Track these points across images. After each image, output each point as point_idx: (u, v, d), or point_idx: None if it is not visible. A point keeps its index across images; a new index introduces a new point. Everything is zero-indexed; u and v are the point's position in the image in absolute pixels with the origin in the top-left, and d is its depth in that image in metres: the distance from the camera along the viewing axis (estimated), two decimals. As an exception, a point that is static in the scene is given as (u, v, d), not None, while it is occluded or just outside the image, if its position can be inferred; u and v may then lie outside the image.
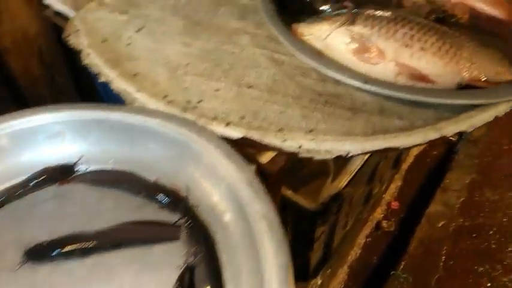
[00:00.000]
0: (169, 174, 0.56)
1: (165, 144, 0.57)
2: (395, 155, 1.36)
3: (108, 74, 0.68)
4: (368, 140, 0.57)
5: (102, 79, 0.68)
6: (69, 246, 0.49)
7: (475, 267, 1.12)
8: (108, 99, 0.75)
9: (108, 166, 0.58)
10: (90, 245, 0.49)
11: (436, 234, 1.20)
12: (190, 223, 0.52)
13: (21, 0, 0.88)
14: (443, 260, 1.14)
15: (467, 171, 1.35)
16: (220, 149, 0.54)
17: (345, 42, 0.63)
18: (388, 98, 0.61)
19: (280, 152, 0.59)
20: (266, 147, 0.59)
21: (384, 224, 1.39)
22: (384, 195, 1.50)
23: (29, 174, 0.56)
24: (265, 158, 0.61)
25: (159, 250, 0.50)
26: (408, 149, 0.91)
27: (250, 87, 0.65)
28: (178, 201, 0.54)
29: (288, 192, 0.93)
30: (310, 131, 0.58)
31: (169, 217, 0.53)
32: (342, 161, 1.00)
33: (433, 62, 0.60)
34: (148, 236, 0.52)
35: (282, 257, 0.43)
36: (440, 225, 1.23)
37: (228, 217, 0.51)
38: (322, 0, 0.73)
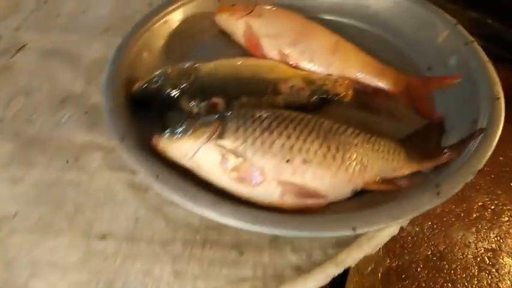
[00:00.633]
0: None
1: None
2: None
3: None
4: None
5: None
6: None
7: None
8: None
9: None
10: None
11: (367, 282, 1.13)
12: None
13: None
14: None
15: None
16: None
17: (217, 161, 0.51)
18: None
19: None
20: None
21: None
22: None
23: None
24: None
25: None
26: None
27: (103, 237, 0.50)
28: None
29: None
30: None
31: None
32: None
33: (320, 175, 0.50)
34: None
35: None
36: (369, 271, 1.17)
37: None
38: (188, 97, 0.61)
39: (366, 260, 1.38)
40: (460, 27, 0.67)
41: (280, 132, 0.51)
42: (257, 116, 0.53)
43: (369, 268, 1.37)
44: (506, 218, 0.62)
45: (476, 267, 0.60)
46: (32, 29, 0.79)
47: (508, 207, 0.64)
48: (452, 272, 0.67)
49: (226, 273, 0.47)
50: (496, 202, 0.64)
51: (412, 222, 1.50)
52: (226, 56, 0.69)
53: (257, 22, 0.70)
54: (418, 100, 0.63)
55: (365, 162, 0.52)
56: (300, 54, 0.67)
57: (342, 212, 0.48)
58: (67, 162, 0.57)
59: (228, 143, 0.51)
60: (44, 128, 0.62)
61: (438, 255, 0.56)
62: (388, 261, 1.38)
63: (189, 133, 0.52)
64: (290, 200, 0.50)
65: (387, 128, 0.60)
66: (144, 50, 0.67)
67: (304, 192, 0.50)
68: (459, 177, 0.47)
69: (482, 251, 0.58)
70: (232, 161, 0.50)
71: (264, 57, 0.69)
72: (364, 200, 0.50)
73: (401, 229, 0.51)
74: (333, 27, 0.73)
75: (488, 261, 0.62)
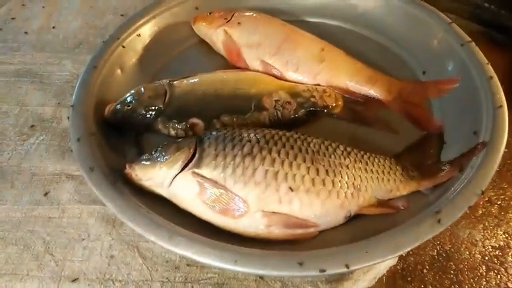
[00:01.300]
0: None
1: None
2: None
3: None
4: None
5: None
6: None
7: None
8: None
9: None
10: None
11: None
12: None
13: None
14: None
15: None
16: None
17: (195, 191, 0.46)
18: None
19: None
20: None
21: None
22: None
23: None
24: None
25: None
26: None
27: (74, 280, 0.45)
28: None
29: None
30: None
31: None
32: None
33: (309, 203, 0.45)
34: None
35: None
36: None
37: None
38: (164, 118, 0.56)
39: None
40: (455, 26, 0.62)
41: (263, 157, 0.46)
42: (238, 139, 0.48)
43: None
44: None
45: (484, 266, 0.57)
46: (-2, 48, 0.74)
47: None
48: (459, 272, 0.64)
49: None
50: (502, 197, 0.60)
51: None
52: (207, 67, 0.65)
53: (237, 31, 0.65)
54: (414, 108, 0.58)
55: (358, 185, 0.47)
56: (284, 64, 0.62)
57: (334, 242, 0.44)
58: (36, 196, 0.53)
59: (206, 171, 0.46)
60: (13, 159, 0.57)
61: (444, 255, 0.52)
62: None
63: (163, 160, 0.47)
64: (277, 231, 0.45)
65: (381, 140, 0.56)
66: (116, 67, 0.62)
67: (292, 222, 0.45)
68: (462, 201, 0.43)
69: (490, 249, 0.54)
70: (212, 192, 0.45)
71: (246, 67, 0.64)
72: (359, 227, 0.46)
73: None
74: (319, 30, 0.69)
75: (496, 260, 0.59)
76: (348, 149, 0.50)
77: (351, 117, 0.59)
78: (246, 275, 0.45)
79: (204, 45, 0.70)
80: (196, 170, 0.46)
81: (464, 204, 0.43)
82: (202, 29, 0.69)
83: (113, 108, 0.56)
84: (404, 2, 0.67)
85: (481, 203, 0.67)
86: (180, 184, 0.47)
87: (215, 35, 0.67)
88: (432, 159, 0.52)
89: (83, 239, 0.48)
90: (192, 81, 0.59)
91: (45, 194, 0.53)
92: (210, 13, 0.69)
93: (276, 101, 0.57)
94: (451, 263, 0.57)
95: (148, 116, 0.55)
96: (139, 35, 0.67)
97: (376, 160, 0.50)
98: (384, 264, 0.44)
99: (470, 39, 0.59)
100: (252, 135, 0.49)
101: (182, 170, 0.47)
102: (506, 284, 0.65)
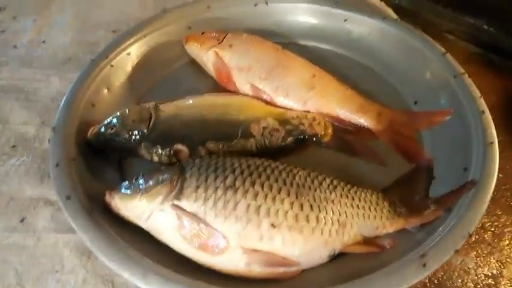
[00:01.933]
0: None
1: None
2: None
3: None
4: None
5: None
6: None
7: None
8: None
9: None
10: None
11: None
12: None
13: None
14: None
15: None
16: None
17: (173, 225, 0.44)
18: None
19: None
20: None
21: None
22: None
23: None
24: None
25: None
26: None
27: (46, 315, 0.44)
28: None
29: None
30: None
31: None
32: None
33: (291, 240, 0.43)
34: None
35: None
36: None
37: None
38: (148, 143, 0.54)
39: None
40: (449, 56, 0.61)
41: (245, 190, 0.45)
42: (221, 169, 0.47)
43: None
44: (507, 242, 0.57)
45: (477, 295, 0.56)
46: (-15, 63, 0.72)
47: (509, 228, 0.59)
48: (451, 301, 0.62)
49: None
50: (496, 223, 0.59)
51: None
52: (197, 88, 0.64)
53: (228, 53, 0.64)
54: (404, 139, 0.56)
55: (343, 221, 0.46)
56: (274, 89, 0.61)
57: (316, 283, 0.42)
58: (13, 222, 0.51)
59: (186, 203, 0.44)
60: (-9, 180, 0.55)
61: (436, 282, 0.51)
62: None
63: (144, 193, 0.46)
64: (258, 269, 0.44)
65: (370, 172, 0.55)
66: (103, 87, 0.61)
67: (273, 260, 0.43)
68: (448, 244, 0.41)
69: (483, 277, 0.53)
70: (191, 226, 0.44)
71: (236, 90, 0.63)
72: (343, 266, 0.44)
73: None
74: (312, 53, 0.68)
75: (489, 289, 0.59)
76: (335, 182, 0.49)
77: (339, 146, 0.57)
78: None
79: (196, 65, 0.68)
80: (176, 202, 0.45)
81: (451, 247, 0.41)
82: (194, 49, 0.68)
83: (96, 131, 0.55)
84: (399, 29, 0.66)
85: (475, 229, 0.67)
86: (158, 217, 0.45)
87: (206, 56, 0.66)
88: (420, 194, 0.51)
89: (57, 271, 0.47)
90: (179, 105, 0.57)
91: (22, 220, 0.51)
92: (202, 33, 0.68)
93: (264, 128, 0.56)
94: (443, 292, 0.56)
95: (132, 140, 0.54)
96: (129, 54, 0.65)
97: (363, 195, 0.49)
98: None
99: (463, 71, 0.58)
100: (236, 165, 0.48)
101: (162, 203, 0.45)
102: (499, 313, 0.64)
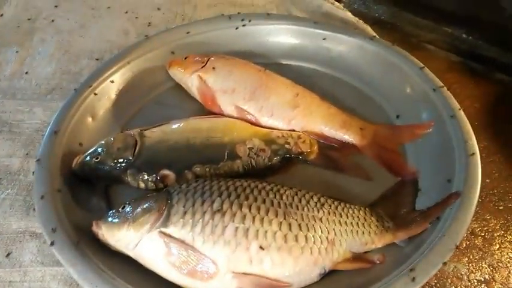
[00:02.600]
0: None
1: None
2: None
3: None
4: None
5: None
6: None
7: None
8: None
9: None
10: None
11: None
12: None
13: None
14: None
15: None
16: None
17: (161, 252, 0.44)
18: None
19: None
20: None
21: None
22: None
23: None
24: None
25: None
26: None
27: None
28: None
29: None
30: None
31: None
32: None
33: (281, 261, 0.43)
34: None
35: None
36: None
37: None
38: (134, 170, 0.54)
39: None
40: (427, 70, 0.62)
41: (233, 213, 0.45)
42: (208, 193, 0.47)
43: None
44: (497, 246, 0.57)
45: (470, 301, 0.56)
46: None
47: (498, 233, 0.59)
48: (444, 308, 0.62)
49: None
50: (485, 228, 0.59)
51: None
52: (182, 112, 0.64)
53: (211, 76, 0.64)
54: (388, 153, 0.57)
55: (332, 239, 0.46)
56: (258, 109, 0.61)
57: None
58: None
59: (174, 230, 0.44)
60: (-25, 214, 0.54)
61: None
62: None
63: (131, 222, 0.45)
64: (249, 292, 0.44)
65: (356, 187, 0.55)
66: (87, 116, 0.61)
67: (264, 283, 0.43)
68: (436, 257, 0.41)
69: (476, 283, 0.53)
70: (179, 253, 0.43)
71: (221, 113, 0.63)
72: (334, 284, 0.44)
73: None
74: (294, 73, 0.69)
75: (481, 295, 0.59)
76: (322, 199, 0.49)
77: (325, 163, 0.58)
78: None
79: (180, 89, 0.69)
80: (163, 229, 0.44)
81: (439, 260, 0.41)
82: (178, 74, 0.68)
83: (80, 161, 0.54)
84: (377, 46, 0.67)
85: (465, 235, 0.68)
86: (146, 245, 0.45)
87: (190, 80, 0.66)
88: (407, 207, 0.52)
89: (45, 306, 0.46)
90: (164, 130, 0.57)
91: (8, 255, 0.50)
92: (185, 58, 0.69)
93: (250, 148, 0.56)
94: (436, 299, 0.56)
95: (117, 168, 0.54)
96: (112, 81, 0.65)
97: (351, 211, 0.49)
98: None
99: (442, 84, 0.60)
100: (223, 188, 0.48)
101: (149, 231, 0.45)
102: (493, 319, 0.64)
